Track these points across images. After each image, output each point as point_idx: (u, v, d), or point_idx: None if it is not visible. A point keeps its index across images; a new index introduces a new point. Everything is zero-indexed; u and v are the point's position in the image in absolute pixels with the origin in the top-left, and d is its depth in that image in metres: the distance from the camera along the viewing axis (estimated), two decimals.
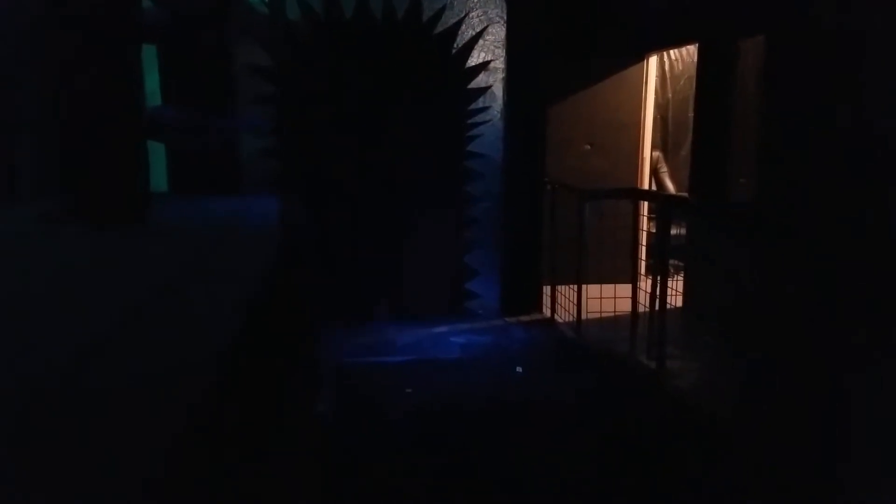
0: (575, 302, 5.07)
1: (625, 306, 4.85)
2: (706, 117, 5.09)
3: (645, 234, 5.03)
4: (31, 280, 2.20)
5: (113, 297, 1.97)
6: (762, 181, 4.31)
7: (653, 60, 6.14)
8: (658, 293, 4.21)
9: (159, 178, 4.77)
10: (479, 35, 5.59)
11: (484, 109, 5.59)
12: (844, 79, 3.56)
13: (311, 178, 5.43)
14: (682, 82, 6.89)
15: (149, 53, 4.40)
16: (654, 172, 6.69)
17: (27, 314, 1.82)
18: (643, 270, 5.07)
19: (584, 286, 5.00)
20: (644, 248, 4.95)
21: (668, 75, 6.90)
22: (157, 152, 4.55)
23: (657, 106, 6.49)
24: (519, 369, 4.60)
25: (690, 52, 6.58)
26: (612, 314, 5.04)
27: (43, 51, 3.44)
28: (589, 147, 6.09)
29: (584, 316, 5.03)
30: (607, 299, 5.04)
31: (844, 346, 3.46)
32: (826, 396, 3.44)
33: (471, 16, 5.90)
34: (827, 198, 3.69)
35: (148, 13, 4.78)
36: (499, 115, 5.84)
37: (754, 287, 4.20)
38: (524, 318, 5.63)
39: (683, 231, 5.51)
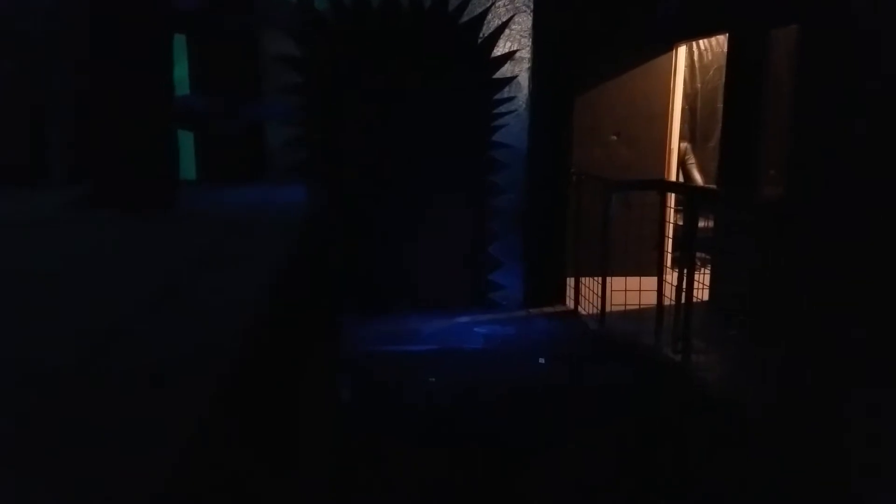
0: (599, 294, 5.04)
1: (650, 299, 4.81)
2: (736, 109, 5.02)
3: (671, 226, 4.98)
4: (58, 263, 2.24)
5: (137, 280, 1.99)
6: (792, 175, 4.24)
7: (682, 50, 6.05)
8: (685, 286, 4.17)
9: (187, 166, 4.82)
10: (505, 24, 5.55)
11: (509, 99, 5.56)
12: (880, 70, 3.48)
13: (336, 168, 5.45)
14: (711, 73, 6.79)
15: (178, 43, 4.44)
16: (682, 164, 6.61)
17: (49, 298, 1.85)
18: (669, 263, 5.01)
19: (608, 278, 4.96)
20: (670, 241, 4.90)
21: (697, 65, 6.81)
22: (185, 141, 4.59)
23: (686, 96, 6.40)
24: (542, 360, 4.60)
25: (720, 41, 6.47)
26: (637, 307, 4.99)
27: (75, 38, 3.49)
28: (616, 137, 6.03)
29: (608, 308, 5.00)
30: (632, 292, 5.00)
31: (871, 343, 3.40)
32: (849, 393, 3.39)
33: (497, 5, 5.84)
34: (859, 193, 3.62)
35: (177, 2, 4.82)
36: (524, 106, 5.81)
37: (781, 281, 4.14)
38: (548, 309, 5.62)
39: (711, 224, 5.44)
